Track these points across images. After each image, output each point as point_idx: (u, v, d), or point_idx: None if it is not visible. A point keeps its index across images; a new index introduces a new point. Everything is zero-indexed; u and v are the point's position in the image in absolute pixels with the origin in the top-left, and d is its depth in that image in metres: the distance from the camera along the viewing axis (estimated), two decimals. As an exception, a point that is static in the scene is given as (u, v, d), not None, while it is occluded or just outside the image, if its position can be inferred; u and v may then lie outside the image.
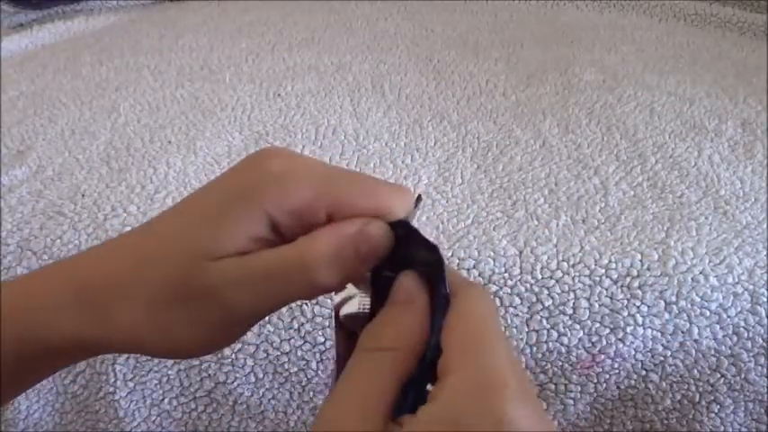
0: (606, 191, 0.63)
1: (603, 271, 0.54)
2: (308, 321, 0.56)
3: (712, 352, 0.55)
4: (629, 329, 0.55)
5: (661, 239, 0.57)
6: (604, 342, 0.55)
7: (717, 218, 0.59)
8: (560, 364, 0.56)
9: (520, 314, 0.55)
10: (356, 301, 0.29)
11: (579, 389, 0.57)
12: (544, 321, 0.55)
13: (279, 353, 0.57)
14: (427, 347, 0.25)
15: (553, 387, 0.57)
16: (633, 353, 0.55)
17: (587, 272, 0.55)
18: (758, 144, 0.70)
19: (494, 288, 0.55)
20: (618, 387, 0.57)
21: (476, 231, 0.58)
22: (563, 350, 0.55)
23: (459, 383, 0.23)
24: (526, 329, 0.55)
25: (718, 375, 0.55)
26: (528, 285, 0.55)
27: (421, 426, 0.23)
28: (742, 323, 0.54)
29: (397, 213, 0.27)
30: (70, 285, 0.28)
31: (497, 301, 0.55)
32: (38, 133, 0.75)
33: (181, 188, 0.64)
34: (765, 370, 0.55)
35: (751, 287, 0.54)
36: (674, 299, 0.54)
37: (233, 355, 0.57)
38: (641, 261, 0.55)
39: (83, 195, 0.63)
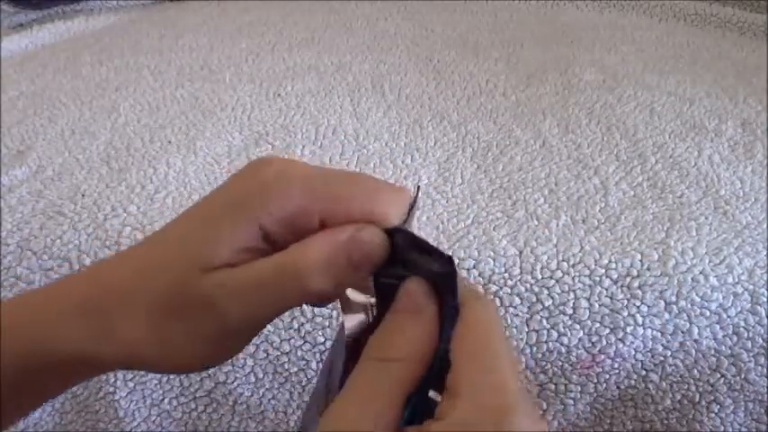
0: (606, 191, 0.63)
1: (603, 271, 0.54)
2: (308, 321, 0.56)
3: (712, 352, 0.55)
4: (629, 329, 0.55)
5: (661, 239, 0.57)
6: (604, 342, 0.55)
7: (717, 218, 0.59)
8: (560, 364, 0.56)
9: (520, 314, 0.55)
10: (361, 314, 0.29)
11: (579, 389, 0.57)
12: (544, 321, 0.55)
13: (279, 353, 0.57)
14: (434, 358, 0.25)
15: (553, 387, 0.57)
16: (633, 353, 0.55)
17: (587, 272, 0.55)
18: (758, 144, 0.70)
19: (494, 288, 0.55)
20: (618, 387, 0.57)
21: (476, 231, 0.58)
22: (563, 350, 0.55)
23: (471, 403, 0.23)
24: (526, 329, 0.55)
25: (718, 375, 0.55)
26: (528, 285, 0.55)
27: None
28: (742, 323, 0.54)
29: (391, 219, 0.27)
30: (74, 297, 0.28)
31: (497, 301, 0.55)
32: (38, 133, 0.75)
33: (181, 188, 0.64)
34: (765, 370, 0.55)
35: (751, 287, 0.54)
36: (674, 299, 0.54)
37: (233, 355, 0.57)
38: (641, 261, 0.55)
39: (83, 195, 0.63)
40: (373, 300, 0.28)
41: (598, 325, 0.55)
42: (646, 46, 0.96)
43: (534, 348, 0.56)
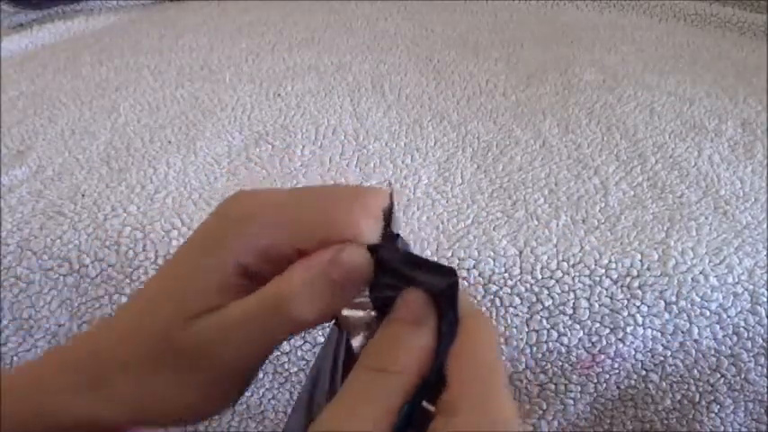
0: (606, 191, 0.63)
1: (603, 271, 0.55)
2: (308, 321, 0.56)
3: (712, 352, 0.55)
4: (629, 329, 0.55)
5: (661, 239, 0.57)
6: (604, 342, 0.55)
7: (717, 218, 0.59)
8: (560, 364, 0.56)
9: (520, 314, 0.55)
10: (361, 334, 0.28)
11: (579, 389, 0.57)
12: (544, 321, 0.55)
13: (279, 353, 0.57)
14: (431, 371, 0.25)
15: (553, 387, 0.57)
16: (633, 353, 0.55)
17: (587, 272, 0.55)
18: (758, 144, 0.70)
19: (494, 288, 0.55)
20: (618, 387, 0.57)
21: (476, 231, 0.58)
22: (563, 350, 0.55)
23: (468, 423, 0.23)
24: (526, 329, 0.55)
25: (718, 375, 0.55)
26: (528, 285, 0.55)
27: None
28: (742, 323, 0.54)
29: (367, 235, 0.27)
30: (70, 365, 0.28)
31: (497, 300, 0.55)
32: (38, 133, 0.75)
33: (181, 188, 0.64)
34: (765, 370, 0.55)
35: (751, 287, 0.54)
36: (674, 299, 0.54)
37: (233, 355, 0.57)
38: (641, 261, 0.55)
39: (83, 195, 0.63)
40: (374, 313, 0.28)
41: (598, 325, 0.55)
42: (646, 46, 0.97)
43: (534, 348, 0.56)
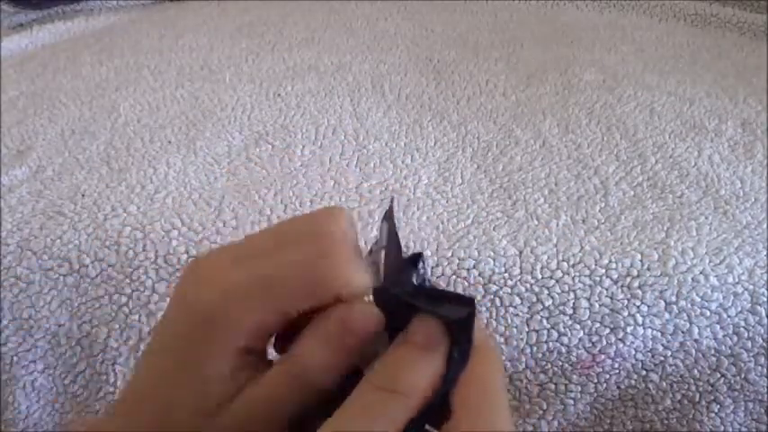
0: (606, 191, 0.63)
1: (603, 271, 0.55)
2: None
3: (712, 352, 0.55)
4: (629, 329, 0.55)
5: (661, 239, 0.57)
6: (604, 342, 0.55)
7: (717, 218, 0.59)
8: (560, 364, 0.56)
9: (520, 314, 0.55)
10: None
11: (579, 389, 0.57)
12: (544, 321, 0.55)
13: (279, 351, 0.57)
14: (437, 396, 0.25)
15: (553, 387, 0.57)
16: (633, 353, 0.55)
17: (587, 272, 0.55)
18: (758, 144, 0.70)
19: (494, 288, 0.55)
20: (618, 387, 0.57)
21: (476, 231, 0.58)
22: (563, 350, 0.55)
23: None
24: (526, 329, 0.55)
25: (718, 375, 0.55)
26: (528, 285, 0.55)
27: None
28: (742, 323, 0.54)
29: (358, 286, 0.26)
30: None
31: (497, 300, 0.55)
32: (38, 133, 0.75)
33: (181, 188, 0.64)
34: (765, 370, 0.55)
35: (751, 287, 0.54)
36: (674, 299, 0.54)
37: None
38: (641, 261, 0.55)
39: (83, 195, 0.63)
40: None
41: (598, 325, 0.55)
42: (646, 46, 0.97)
43: (534, 348, 0.56)
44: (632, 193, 0.63)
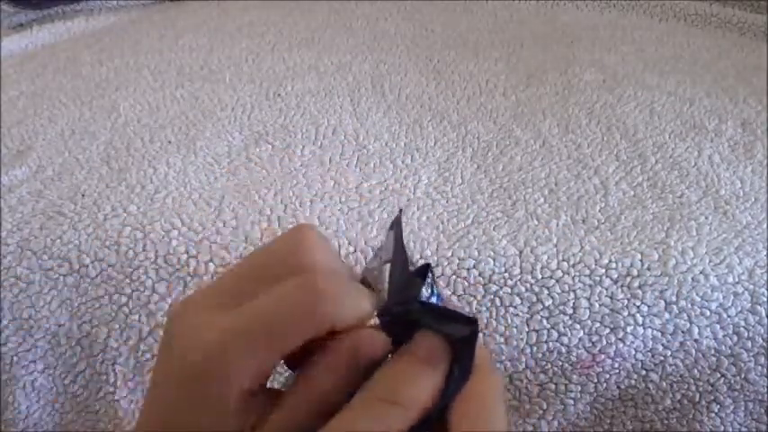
0: (606, 191, 0.63)
1: (603, 271, 0.55)
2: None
3: (712, 352, 0.55)
4: (629, 329, 0.55)
5: (661, 239, 0.57)
6: (604, 342, 0.55)
7: (717, 218, 0.59)
8: (560, 363, 0.56)
9: (520, 314, 0.55)
10: None
11: (579, 389, 0.57)
12: (544, 321, 0.55)
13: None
14: (435, 410, 0.25)
15: (553, 387, 0.57)
16: (633, 353, 0.55)
17: (587, 272, 0.55)
18: (758, 144, 0.70)
19: (494, 288, 0.55)
20: (618, 387, 0.57)
21: (476, 231, 0.58)
22: (563, 350, 0.55)
23: None
24: (526, 329, 0.55)
25: (718, 375, 0.55)
26: (528, 285, 0.55)
27: None
28: (742, 323, 0.54)
29: (348, 319, 0.26)
30: None
31: (497, 300, 0.55)
32: (38, 133, 0.75)
33: (181, 188, 0.64)
34: (765, 370, 0.55)
35: (751, 287, 0.54)
36: (674, 299, 0.54)
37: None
38: (641, 261, 0.55)
39: (83, 195, 0.63)
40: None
41: (598, 325, 0.55)
42: (646, 46, 0.97)
43: (534, 348, 0.56)
44: (632, 193, 0.63)
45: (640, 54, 0.93)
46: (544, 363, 0.56)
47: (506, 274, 0.55)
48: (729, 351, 0.55)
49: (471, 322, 0.26)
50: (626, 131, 0.73)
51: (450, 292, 0.55)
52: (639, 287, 0.54)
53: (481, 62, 0.90)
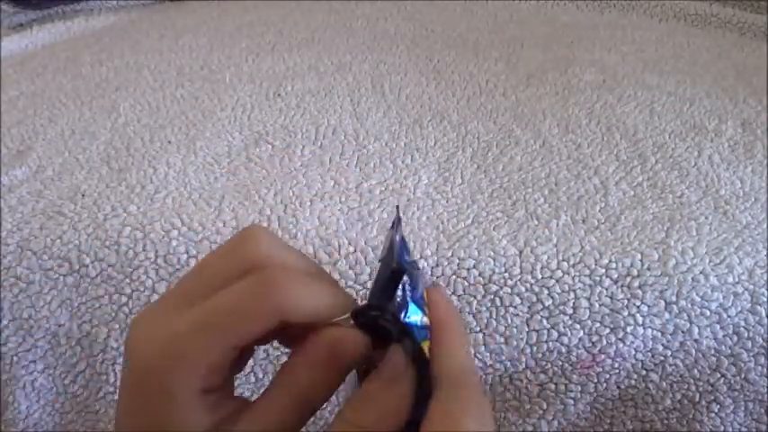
0: (606, 191, 0.63)
1: (603, 271, 0.55)
2: (308, 321, 0.56)
3: (712, 352, 0.55)
4: (629, 329, 0.55)
5: (661, 239, 0.57)
6: (604, 342, 0.55)
7: (717, 218, 0.59)
8: (560, 363, 0.56)
9: (520, 314, 0.55)
10: None
11: (579, 389, 0.57)
12: (544, 321, 0.55)
13: (279, 353, 0.57)
14: (409, 426, 0.26)
15: (553, 387, 0.57)
16: (633, 353, 0.55)
17: (587, 272, 0.55)
18: (758, 144, 0.70)
19: (494, 288, 0.55)
20: (618, 387, 0.57)
21: (476, 231, 0.58)
22: (563, 350, 0.55)
23: None
24: (526, 329, 0.55)
25: (718, 375, 0.55)
26: (528, 285, 0.55)
27: None
28: (742, 323, 0.54)
29: (301, 310, 0.27)
30: None
31: (497, 300, 0.55)
32: (38, 133, 0.75)
33: (181, 188, 0.64)
34: (765, 370, 0.55)
35: (751, 287, 0.54)
36: (674, 299, 0.54)
37: (233, 355, 0.57)
38: (641, 261, 0.55)
39: (83, 195, 0.63)
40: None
41: (598, 325, 0.55)
42: (646, 46, 0.97)
43: (534, 348, 0.56)
44: (632, 193, 0.63)
45: (640, 54, 0.93)
46: (544, 363, 0.56)
47: (506, 274, 0.55)
48: (729, 351, 0.55)
49: (414, 345, 0.27)
50: (626, 131, 0.73)
51: (450, 292, 0.55)
52: (639, 287, 0.54)
53: (481, 62, 0.90)
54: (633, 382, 0.56)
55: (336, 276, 0.56)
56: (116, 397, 0.59)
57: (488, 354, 0.56)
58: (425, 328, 0.28)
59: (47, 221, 0.60)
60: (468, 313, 0.56)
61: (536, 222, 0.59)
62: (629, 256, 0.55)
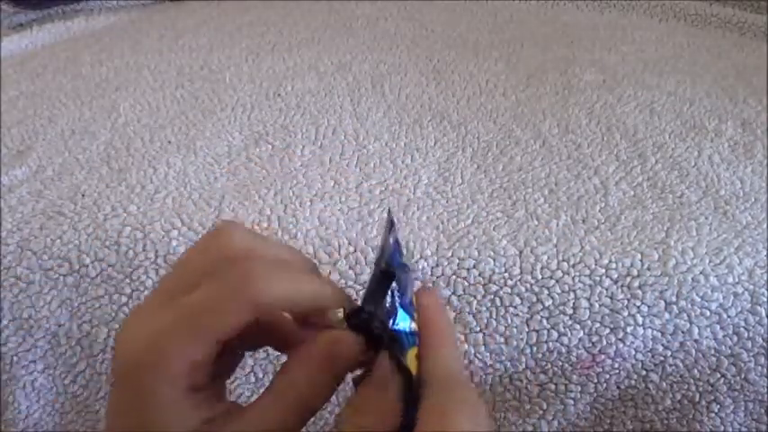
0: (606, 191, 0.63)
1: (603, 271, 0.54)
2: (308, 321, 0.56)
3: (712, 352, 0.55)
4: (629, 329, 0.55)
5: (661, 239, 0.57)
6: (604, 342, 0.55)
7: (717, 218, 0.59)
8: (560, 364, 0.56)
9: (520, 314, 0.55)
10: None
11: (579, 389, 0.57)
12: (544, 321, 0.55)
13: (279, 353, 0.57)
14: (401, 426, 0.26)
15: (553, 387, 0.57)
16: (633, 353, 0.55)
17: (587, 272, 0.55)
18: (758, 144, 0.70)
19: (494, 288, 0.55)
20: (618, 387, 0.57)
21: (476, 231, 0.58)
22: (563, 350, 0.55)
23: None
24: (526, 329, 0.55)
25: (718, 375, 0.55)
26: (528, 285, 0.55)
27: None
28: (742, 323, 0.54)
29: (275, 302, 0.27)
30: None
31: (497, 300, 0.55)
32: (38, 133, 0.75)
33: (181, 188, 0.64)
34: (765, 370, 0.55)
35: (751, 287, 0.54)
36: (674, 299, 0.54)
37: (233, 355, 0.57)
38: (641, 261, 0.55)
39: (83, 195, 0.63)
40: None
41: (598, 325, 0.55)
42: (646, 46, 0.97)
43: (534, 348, 0.56)
44: (632, 193, 0.63)
45: (640, 54, 0.93)
46: (544, 363, 0.56)
47: (506, 274, 0.55)
48: (729, 351, 0.55)
49: (401, 365, 0.27)
50: (626, 131, 0.73)
51: (450, 292, 0.55)
52: (639, 287, 0.54)
53: (481, 62, 0.90)
54: (633, 382, 0.56)
55: (336, 276, 0.56)
56: None
57: (488, 354, 0.56)
58: (414, 334, 0.29)
59: (47, 221, 0.60)
60: (468, 313, 0.56)
61: (536, 222, 0.59)
62: (629, 256, 0.55)
